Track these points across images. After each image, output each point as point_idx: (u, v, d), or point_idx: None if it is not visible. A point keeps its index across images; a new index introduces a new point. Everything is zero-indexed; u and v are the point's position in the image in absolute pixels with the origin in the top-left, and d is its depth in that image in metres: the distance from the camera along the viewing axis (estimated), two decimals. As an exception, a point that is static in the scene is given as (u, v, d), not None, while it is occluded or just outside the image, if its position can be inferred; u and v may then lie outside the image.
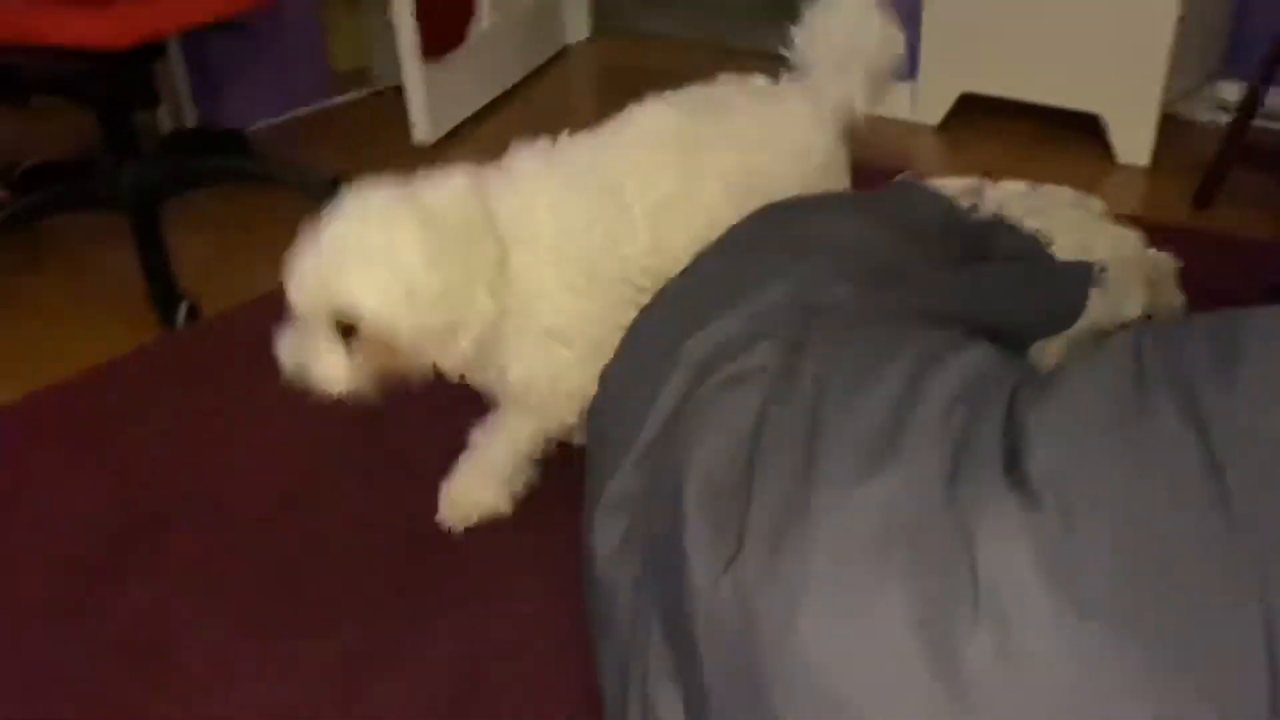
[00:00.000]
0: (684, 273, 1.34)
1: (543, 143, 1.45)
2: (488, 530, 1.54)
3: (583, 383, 1.41)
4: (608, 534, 1.15)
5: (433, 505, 1.55)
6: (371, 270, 1.24)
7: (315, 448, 1.71)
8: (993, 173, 1.62)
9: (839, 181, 1.68)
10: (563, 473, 1.53)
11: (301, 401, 1.38)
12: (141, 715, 1.29)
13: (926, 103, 2.79)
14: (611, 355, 1.35)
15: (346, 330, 1.26)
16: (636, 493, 1.14)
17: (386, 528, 1.56)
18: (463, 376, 1.43)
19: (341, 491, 1.62)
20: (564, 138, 1.47)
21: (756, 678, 0.89)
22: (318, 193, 1.80)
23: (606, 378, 1.30)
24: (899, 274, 1.27)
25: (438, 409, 1.68)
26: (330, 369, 1.30)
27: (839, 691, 0.85)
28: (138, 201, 2.17)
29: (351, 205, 1.27)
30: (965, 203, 1.49)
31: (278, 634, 1.39)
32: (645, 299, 1.39)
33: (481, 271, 1.31)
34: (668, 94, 1.55)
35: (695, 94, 1.58)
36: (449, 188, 1.34)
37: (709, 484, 1.00)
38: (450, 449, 1.55)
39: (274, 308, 1.35)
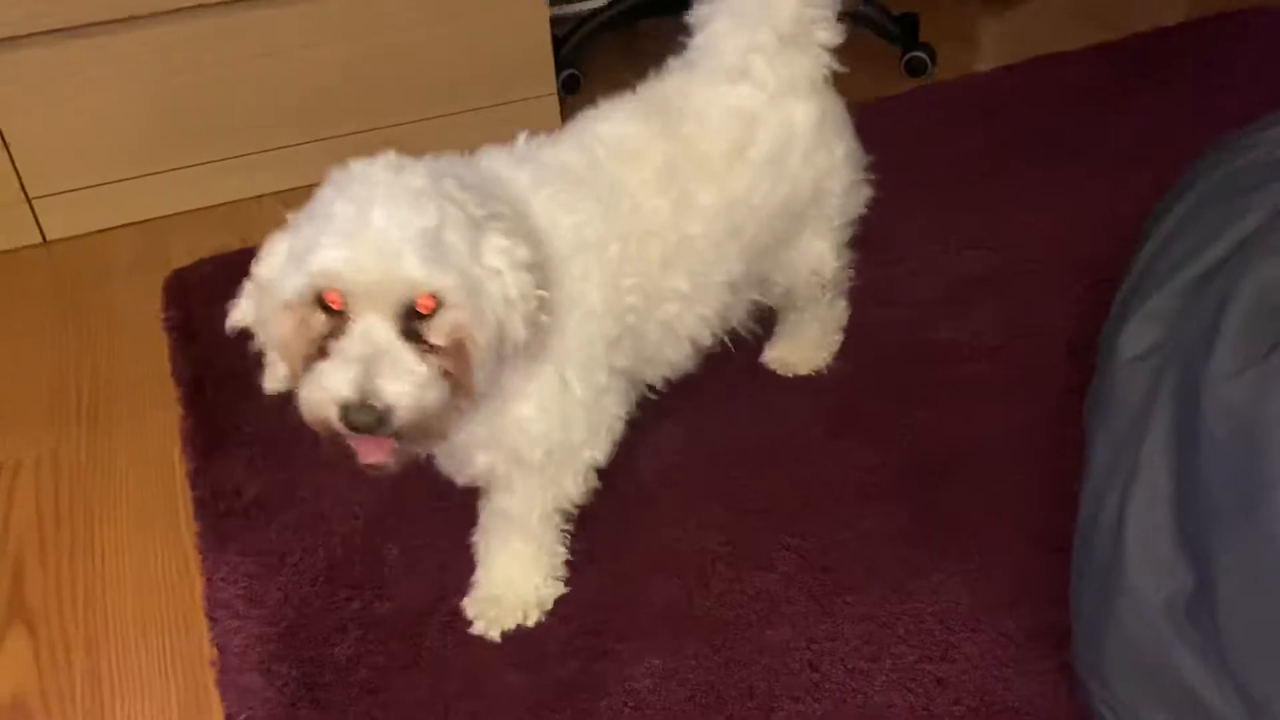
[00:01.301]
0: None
1: (519, 143, 1.34)
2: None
3: (586, 438, 1.33)
4: (1137, 341, 1.20)
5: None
6: (450, 239, 1.08)
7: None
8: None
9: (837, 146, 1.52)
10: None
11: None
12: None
13: None
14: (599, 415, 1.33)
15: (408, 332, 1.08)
16: (1178, 309, 1.18)
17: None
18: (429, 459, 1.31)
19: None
20: (528, 139, 1.34)
21: (1257, 479, 0.92)
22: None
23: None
24: None
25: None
26: (408, 382, 1.06)
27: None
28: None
29: (378, 177, 1.10)
30: None
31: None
32: (614, 356, 1.33)
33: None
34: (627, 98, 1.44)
35: (654, 97, 1.44)
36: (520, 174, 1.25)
37: (1258, 302, 1.03)
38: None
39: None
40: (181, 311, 2.08)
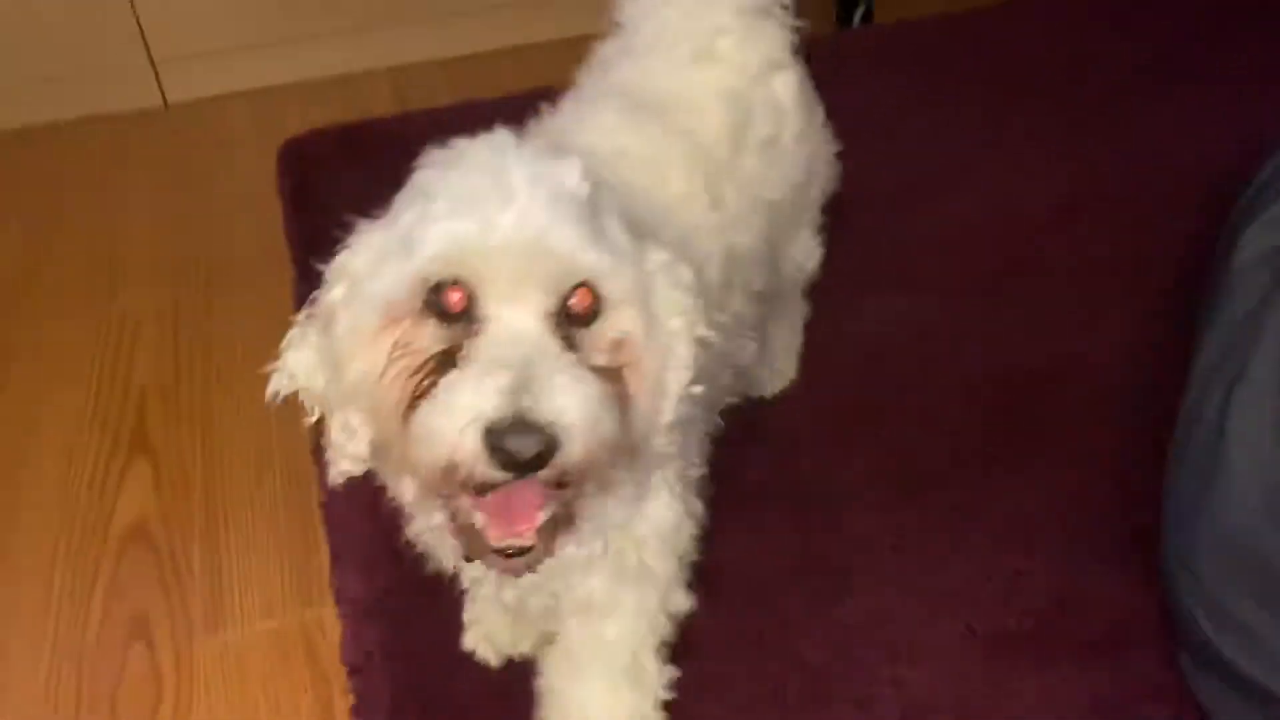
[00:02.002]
0: None
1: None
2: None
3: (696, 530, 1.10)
4: (1255, 245, 1.22)
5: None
6: (611, 226, 0.84)
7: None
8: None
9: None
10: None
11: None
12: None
13: None
14: None
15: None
16: None
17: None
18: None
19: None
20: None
21: None
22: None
23: None
24: None
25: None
26: (579, 395, 0.77)
27: None
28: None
29: (505, 143, 0.86)
30: None
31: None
32: None
33: None
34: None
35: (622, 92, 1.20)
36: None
37: None
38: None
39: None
40: (295, 179, 2.14)
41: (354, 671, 1.32)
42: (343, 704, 1.31)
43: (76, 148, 2.34)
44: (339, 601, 1.39)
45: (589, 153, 1.00)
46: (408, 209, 0.84)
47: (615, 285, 0.82)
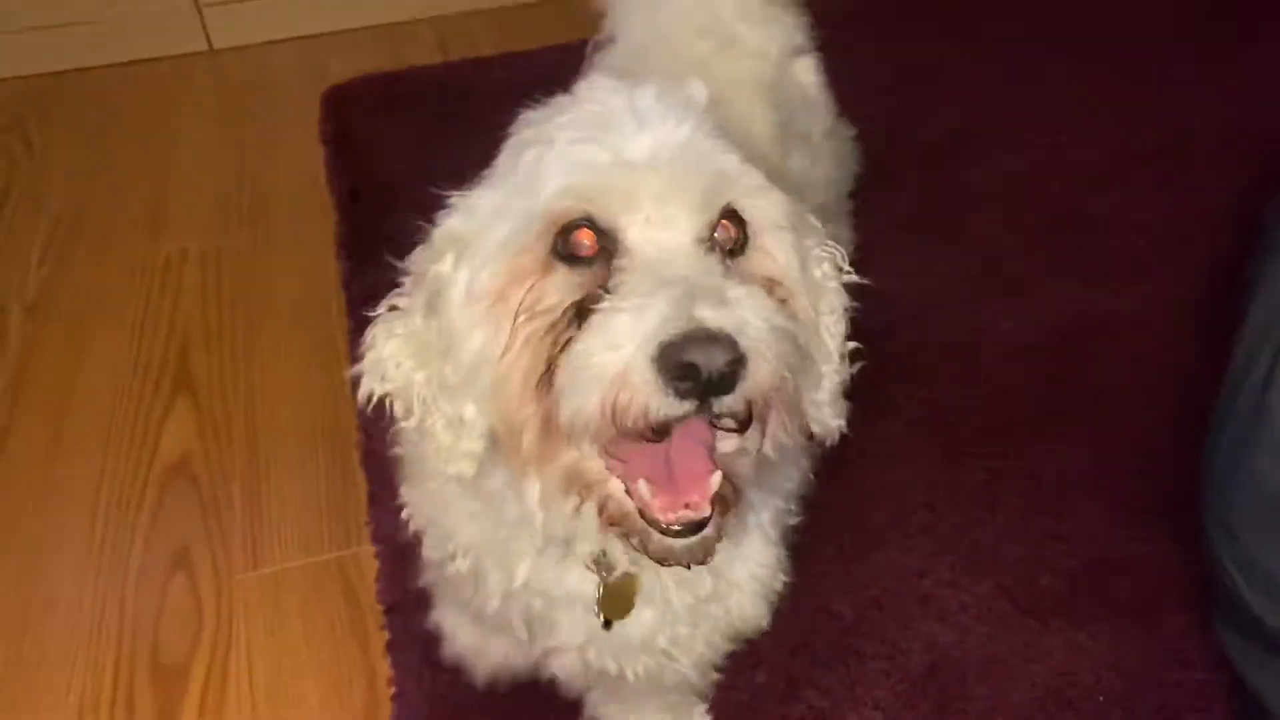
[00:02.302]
0: None
1: None
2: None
3: None
4: None
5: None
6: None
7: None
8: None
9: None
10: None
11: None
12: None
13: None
14: None
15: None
16: None
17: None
18: None
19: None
20: None
21: None
22: None
23: None
24: None
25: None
26: (751, 309, 0.66)
27: None
28: None
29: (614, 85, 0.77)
30: None
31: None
32: None
33: None
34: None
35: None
36: None
37: None
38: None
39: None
40: (338, 125, 2.14)
41: (390, 610, 1.34)
42: (378, 641, 1.33)
43: (123, 92, 2.36)
44: (376, 541, 1.42)
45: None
46: (517, 161, 0.74)
47: (766, 207, 0.73)
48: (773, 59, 1.18)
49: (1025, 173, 1.82)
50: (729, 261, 0.71)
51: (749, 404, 0.66)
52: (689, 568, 0.75)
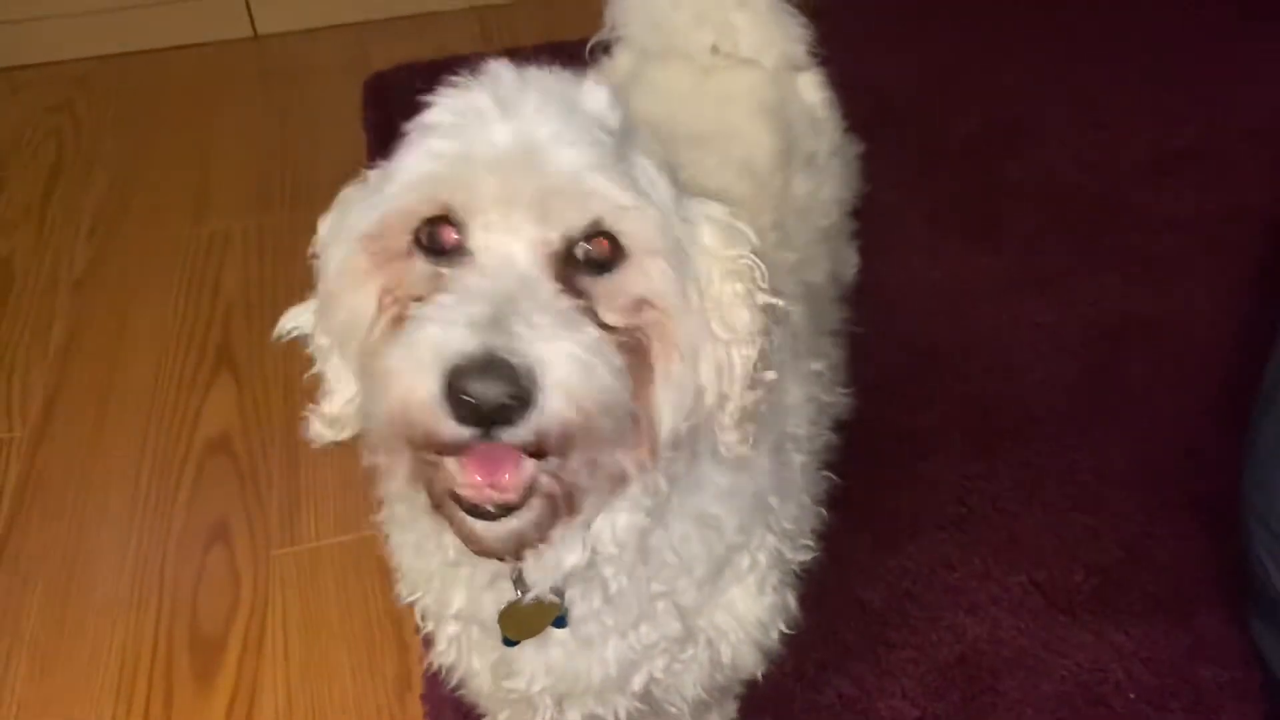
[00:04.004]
0: None
1: None
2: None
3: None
4: None
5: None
6: (640, 163, 0.70)
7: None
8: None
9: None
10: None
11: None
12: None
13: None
14: None
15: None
16: None
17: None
18: None
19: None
20: None
21: None
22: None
23: None
24: None
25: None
26: (567, 339, 0.62)
27: None
28: None
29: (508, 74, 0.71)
30: None
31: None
32: None
33: None
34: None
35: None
36: None
37: None
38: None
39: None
40: (380, 112, 2.17)
41: (423, 586, 1.35)
42: (411, 617, 1.34)
43: (169, 76, 2.39)
44: (411, 519, 1.43)
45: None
46: (401, 152, 0.71)
47: (637, 228, 0.66)
48: (769, 68, 1.15)
49: (1063, 168, 1.81)
50: (591, 278, 0.67)
51: (540, 437, 0.62)
52: (503, 560, 0.72)
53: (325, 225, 0.77)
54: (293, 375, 1.68)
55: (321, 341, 0.77)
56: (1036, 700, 1.21)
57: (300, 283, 1.83)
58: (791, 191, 1.08)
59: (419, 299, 0.66)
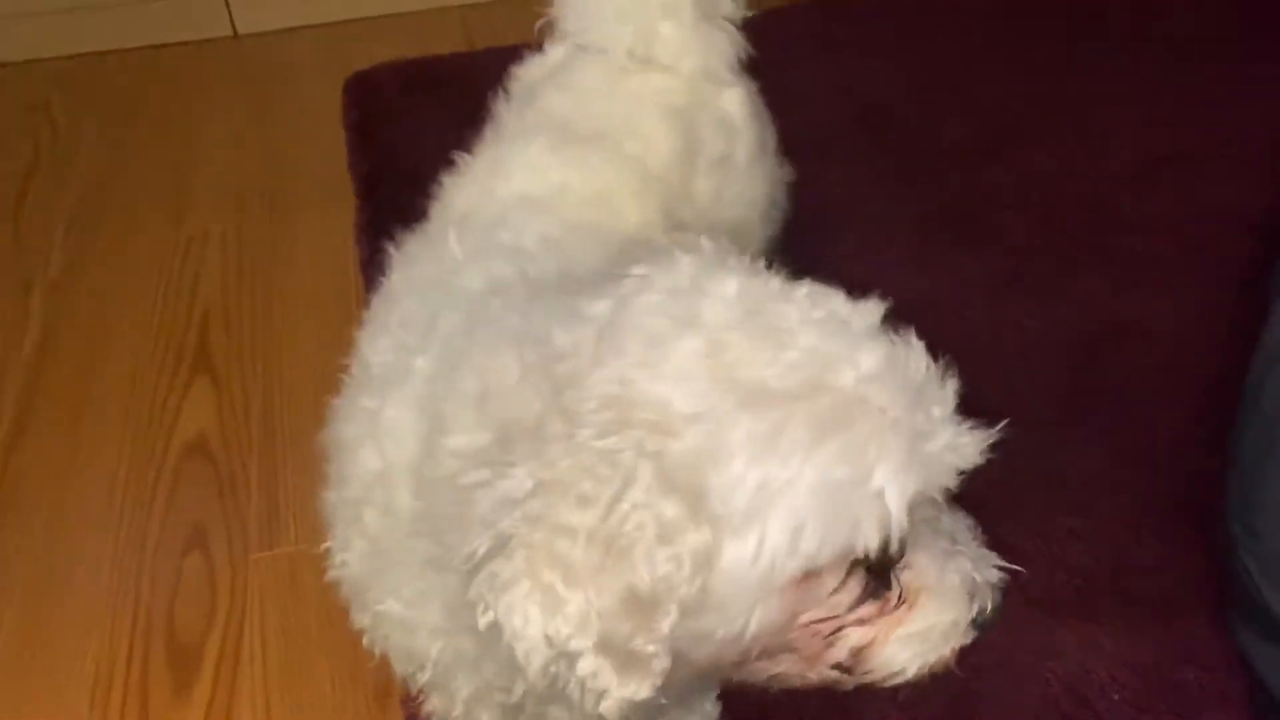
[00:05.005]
0: None
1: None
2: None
3: None
4: None
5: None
6: None
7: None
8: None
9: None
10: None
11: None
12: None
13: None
14: None
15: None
16: None
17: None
18: None
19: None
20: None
21: None
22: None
23: None
24: None
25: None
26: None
27: None
28: None
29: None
30: None
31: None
32: None
33: None
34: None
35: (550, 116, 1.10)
36: None
37: None
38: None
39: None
40: (360, 111, 2.15)
41: (403, 592, 1.34)
42: (391, 622, 1.33)
43: (147, 75, 2.37)
44: (391, 525, 1.41)
45: (521, 197, 0.96)
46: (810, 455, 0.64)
47: None
48: (684, 76, 1.14)
49: (1053, 174, 1.81)
50: None
51: None
52: None
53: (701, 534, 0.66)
54: (271, 378, 1.67)
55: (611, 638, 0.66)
56: (1022, 705, 1.21)
57: (279, 284, 1.84)
58: (693, 188, 1.10)
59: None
